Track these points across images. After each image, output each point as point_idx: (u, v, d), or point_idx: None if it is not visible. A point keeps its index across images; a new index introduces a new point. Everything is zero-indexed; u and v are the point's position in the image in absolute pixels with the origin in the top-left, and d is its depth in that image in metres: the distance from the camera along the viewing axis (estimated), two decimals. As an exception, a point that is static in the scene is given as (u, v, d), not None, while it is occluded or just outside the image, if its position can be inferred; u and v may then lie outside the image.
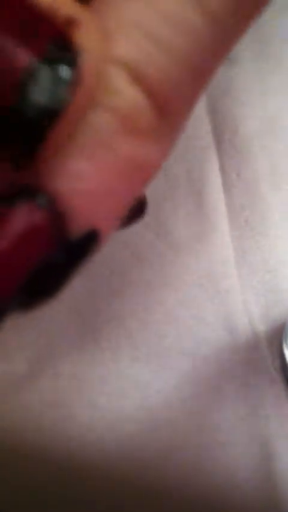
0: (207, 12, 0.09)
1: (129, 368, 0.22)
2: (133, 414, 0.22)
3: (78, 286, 0.22)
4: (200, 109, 0.23)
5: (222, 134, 0.23)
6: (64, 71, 0.09)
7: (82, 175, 0.09)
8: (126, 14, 0.09)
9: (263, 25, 0.23)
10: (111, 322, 0.22)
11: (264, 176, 0.23)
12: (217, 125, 0.23)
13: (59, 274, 0.10)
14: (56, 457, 0.22)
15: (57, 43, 0.09)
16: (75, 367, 0.22)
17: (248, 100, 0.23)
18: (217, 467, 0.22)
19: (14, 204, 0.09)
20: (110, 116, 0.09)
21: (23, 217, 0.09)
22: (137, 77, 0.09)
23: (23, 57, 0.08)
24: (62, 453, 0.22)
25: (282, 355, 0.21)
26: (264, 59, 0.23)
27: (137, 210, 0.15)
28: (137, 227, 0.23)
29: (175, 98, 0.10)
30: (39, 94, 0.09)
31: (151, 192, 0.22)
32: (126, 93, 0.09)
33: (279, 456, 0.22)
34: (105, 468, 0.22)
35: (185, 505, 0.22)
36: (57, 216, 0.09)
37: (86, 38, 0.09)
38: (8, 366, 0.22)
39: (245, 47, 0.23)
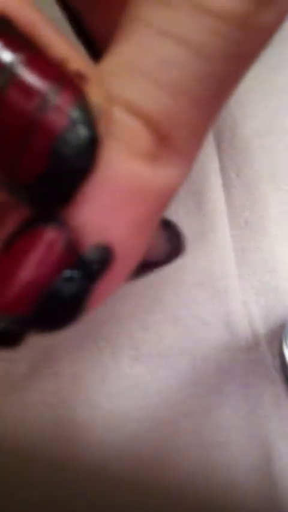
0: (202, 53, 0.10)
1: (129, 368, 0.22)
2: (133, 414, 0.22)
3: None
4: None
5: (222, 134, 0.23)
6: (86, 130, 0.09)
7: (89, 192, 0.10)
8: (127, 59, 0.10)
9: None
10: (111, 322, 0.22)
11: (264, 176, 0.23)
12: (217, 125, 0.23)
13: (78, 295, 0.10)
14: (56, 456, 0.22)
15: (79, 106, 0.09)
16: (75, 367, 0.22)
17: (248, 99, 0.23)
18: (217, 467, 0.22)
19: (35, 228, 0.10)
20: (111, 141, 0.10)
21: (44, 239, 0.10)
22: (135, 110, 0.10)
23: (55, 125, 0.09)
24: (62, 453, 0.22)
25: (282, 355, 0.21)
26: (264, 59, 0.23)
27: (175, 247, 0.16)
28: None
29: (175, 127, 0.10)
30: (69, 155, 0.09)
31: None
32: (124, 122, 0.10)
33: (278, 456, 0.22)
34: (105, 468, 0.22)
35: (184, 505, 0.22)
36: (69, 233, 0.10)
37: (93, 92, 0.10)
38: (9, 366, 0.22)
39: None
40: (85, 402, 0.22)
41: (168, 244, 0.15)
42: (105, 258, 0.10)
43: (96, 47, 0.15)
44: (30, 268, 0.10)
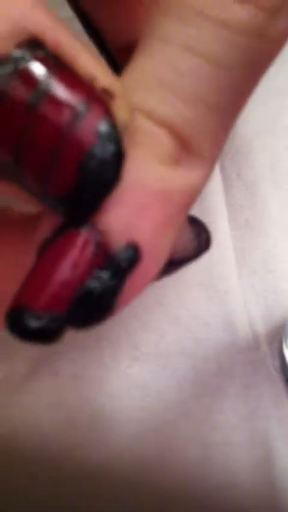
0: (219, 64, 0.10)
1: (129, 368, 0.22)
2: (133, 415, 0.22)
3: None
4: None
5: (222, 134, 0.23)
6: (113, 145, 0.10)
7: (116, 197, 0.11)
8: (148, 72, 0.11)
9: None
10: (111, 322, 0.22)
11: (264, 176, 0.23)
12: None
13: (108, 294, 0.11)
14: (56, 457, 0.22)
15: (106, 122, 0.10)
16: (75, 367, 0.22)
17: (248, 100, 0.23)
18: (217, 467, 0.22)
19: (68, 233, 0.11)
20: (135, 148, 0.11)
21: (76, 242, 0.11)
22: (156, 119, 0.11)
23: (83, 140, 0.10)
24: (62, 453, 0.22)
25: (282, 355, 0.22)
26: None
27: (202, 242, 0.17)
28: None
29: (196, 133, 0.11)
30: (97, 169, 0.10)
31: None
32: (147, 130, 0.11)
33: (279, 456, 0.22)
34: (105, 467, 0.22)
35: (185, 504, 0.22)
36: (99, 235, 0.11)
37: (119, 107, 0.10)
38: (9, 365, 0.22)
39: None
40: (85, 402, 0.22)
41: (195, 240, 0.16)
42: (133, 257, 0.11)
43: (107, 46, 0.16)
44: (65, 269, 0.11)
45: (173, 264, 0.14)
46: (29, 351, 0.22)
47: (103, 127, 0.10)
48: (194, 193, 0.12)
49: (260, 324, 0.22)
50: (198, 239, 0.16)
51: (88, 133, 0.10)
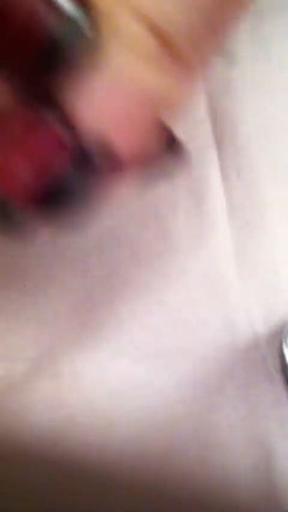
0: None
1: (129, 368, 0.22)
2: (133, 414, 0.22)
3: (78, 287, 0.22)
4: (200, 109, 0.23)
5: (222, 134, 0.23)
6: (84, 23, 0.10)
7: (93, 90, 0.10)
8: None
9: (263, 25, 0.23)
10: (111, 322, 0.22)
11: (264, 176, 0.23)
12: (217, 125, 0.23)
13: (80, 186, 0.11)
14: (56, 456, 0.22)
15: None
16: (75, 367, 0.22)
17: (248, 100, 0.23)
18: (217, 466, 0.22)
19: (41, 125, 0.11)
20: (116, 42, 0.10)
21: (48, 134, 0.11)
22: (139, 14, 0.10)
23: (53, 15, 0.10)
24: (62, 453, 0.22)
25: (282, 355, 0.21)
26: (264, 59, 0.23)
27: (170, 146, 0.16)
28: (136, 227, 0.23)
29: (178, 34, 0.11)
30: (64, 45, 0.10)
31: (151, 192, 0.22)
32: (131, 29, 0.10)
33: (278, 456, 0.22)
34: (105, 467, 0.22)
35: (185, 504, 0.22)
36: (73, 129, 0.11)
37: None
38: (9, 366, 0.22)
39: (245, 47, 0.23)
40: (85, 402, 0.22)
41: (166, 147, 0.16)
42: (105, 153, 0.11)
43: None
44: (40, 159, 0.11)
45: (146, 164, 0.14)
46: (30, 351, 0.22)
47: (73, 10, 0.10)
48: (174, 97, 0.11)
49: (260, 324, 0.22)
50: (169, 147, 0.16)
51: (57, 8, 0.10)
